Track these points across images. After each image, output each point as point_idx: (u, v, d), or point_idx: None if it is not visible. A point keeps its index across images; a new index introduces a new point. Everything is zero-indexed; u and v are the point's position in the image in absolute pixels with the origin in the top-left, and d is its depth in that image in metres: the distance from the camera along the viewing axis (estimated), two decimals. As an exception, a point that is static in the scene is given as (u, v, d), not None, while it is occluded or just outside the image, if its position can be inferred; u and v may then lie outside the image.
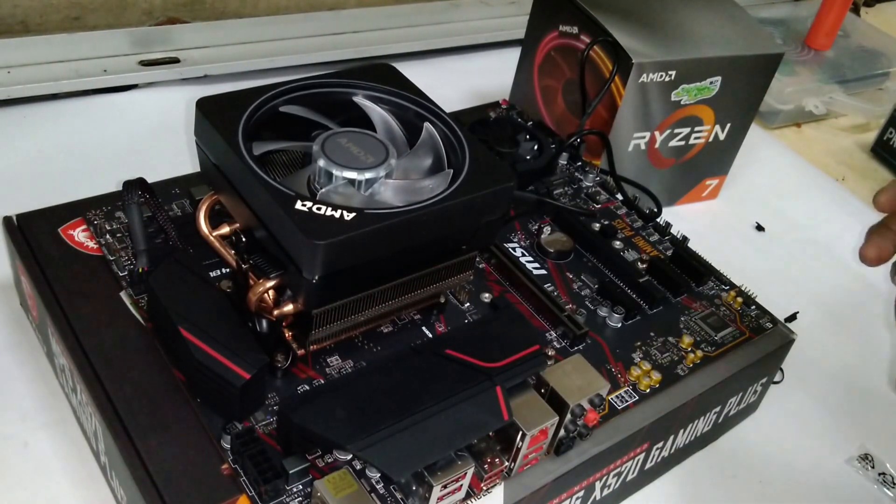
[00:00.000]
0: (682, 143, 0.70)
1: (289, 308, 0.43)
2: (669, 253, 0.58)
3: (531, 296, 0.52)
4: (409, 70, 0.51)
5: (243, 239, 0.45)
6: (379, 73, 0.49)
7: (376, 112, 0.48)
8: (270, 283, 0.42)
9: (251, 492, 0.39)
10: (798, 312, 0.65)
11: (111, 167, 0.66)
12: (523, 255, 0.56)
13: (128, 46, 0.77)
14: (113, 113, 0.73)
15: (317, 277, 0.39)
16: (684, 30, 0.67)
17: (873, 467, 0.57)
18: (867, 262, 0.45)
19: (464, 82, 0.84)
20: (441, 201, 0.41)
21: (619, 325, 0.52)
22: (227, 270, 0.48)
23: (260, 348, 0.41)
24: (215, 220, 0.45)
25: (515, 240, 0.57)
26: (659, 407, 0.48)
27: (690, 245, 0.59)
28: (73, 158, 0.67)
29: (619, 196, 0.63)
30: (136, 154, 0.69)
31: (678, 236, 0.60)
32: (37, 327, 0.51)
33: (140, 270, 0.47)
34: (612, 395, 0.48)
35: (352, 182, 0.42)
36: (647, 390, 0.48)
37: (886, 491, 0.55)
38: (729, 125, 0.71)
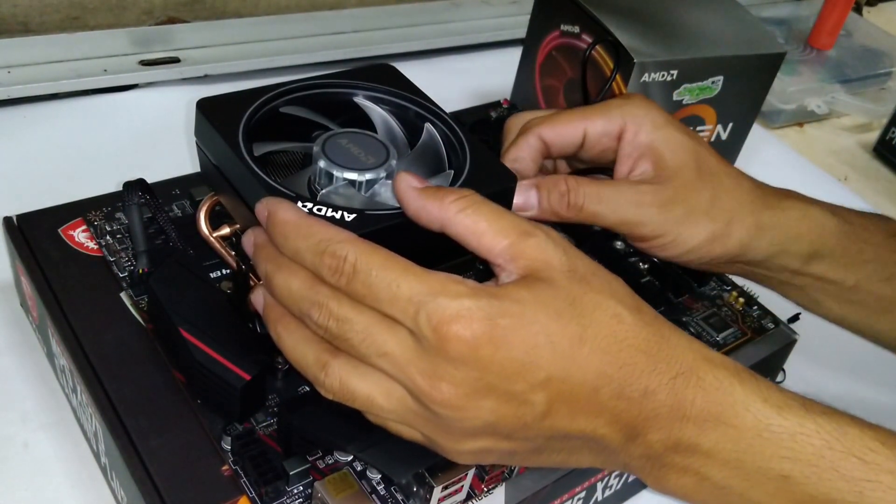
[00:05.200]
0: (684, 142, 0.70)
1: (289, 309, 0.43)
2: (671, 253, 0.58)
3: (532, 296, 0.52)
4: (410, 70, 0.50)
5: (244, 240, 0.45)
6: (379, 74, 0.49)
7: (377, 112, 0.47)
8: (271, 284, 0.42)
9: (252, 493, 0.39)
10: (801, 313, 0.64)
11: (111, 167, 0.66)
12: (524, 255, 0.55)
13: (128, 46, 0.77)
14: (113, 113, 0.73)
15: (317, 278, 0.39)
16: (686, 29, 0.66)
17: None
18: None
19: (464, 82, 0.84)
20: (442, 202, 0.41)
21: (621, 325, 0.52)
22: (228, 271, 0.48)
23: (261, 349, 0.41)
24: (216, 220, 0.45)
25: (516, 240, 0.57)
26: (661, 408, 0.48)
27: (692, 245, 0.59)
28: (73, 159, 0.67)
29: (621, 196, 0.63)
30: (137, 154, 0.69)
31: (680, 236, 0.60)
32: (37, 328, 0.51)
33: (140, 271, 0.47)
34: (614, 396, 0.47)
35: (352, 183, 0.42)
36: (649, 391, 0.48)
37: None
38: (731, 125, 0.71)
